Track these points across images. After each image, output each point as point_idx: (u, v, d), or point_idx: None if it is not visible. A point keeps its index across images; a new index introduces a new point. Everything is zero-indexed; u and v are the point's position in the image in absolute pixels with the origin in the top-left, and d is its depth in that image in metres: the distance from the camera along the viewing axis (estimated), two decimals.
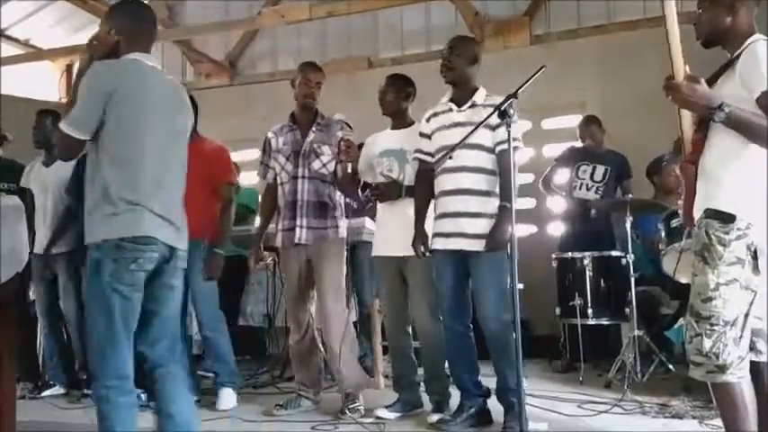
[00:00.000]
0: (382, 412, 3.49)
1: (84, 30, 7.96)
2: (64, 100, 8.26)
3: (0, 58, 7.11)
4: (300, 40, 7.56)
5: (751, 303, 2.14)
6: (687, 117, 2.29)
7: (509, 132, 2.67)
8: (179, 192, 2.45)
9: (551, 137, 6.38)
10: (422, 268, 3.42)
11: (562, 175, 5.16)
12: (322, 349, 3.83)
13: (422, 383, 3.64)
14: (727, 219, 2.12)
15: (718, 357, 2.09)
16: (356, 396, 3.62)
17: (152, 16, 2.53)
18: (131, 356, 2.31)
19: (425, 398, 3.59)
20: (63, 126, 2.28)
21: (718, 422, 2.39)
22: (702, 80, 2.12)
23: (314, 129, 3.73)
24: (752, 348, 2.19)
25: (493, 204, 3.15)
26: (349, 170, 3.59)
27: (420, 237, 3.29)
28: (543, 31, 6.73)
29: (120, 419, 2.23)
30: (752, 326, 2.17)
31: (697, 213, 2.24)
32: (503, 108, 2.65)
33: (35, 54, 8.04)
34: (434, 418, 3.36)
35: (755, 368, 2.19)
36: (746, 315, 2.13)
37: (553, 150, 5.94)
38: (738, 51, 2.19)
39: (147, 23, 2.49)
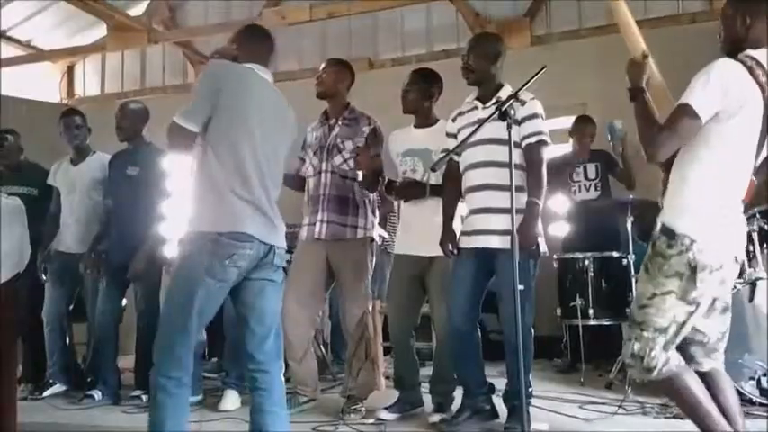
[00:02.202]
0: (382, 414, 3.49)
1: (86, 31, 7.98)
2: (65, 101, 8.29)
3: (1, 59, 7.11)
4: (301, 41, 7.56)
5: (691, 314, 2.23)
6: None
7: (509, 133, 2.66)
8: (276, 193, 2.54)
9: (553, 137, 6.30)
10: (444, 270, 3.39)
11: (559, 188, 5.17)
12: (321, 349, 3.83)
13: (425, 383, 3.64)
14: (670, 234, 2.22)
15: (642, 360, 2.23)
16: (360, 398, 3.62)
17: (271, 40, 2.74)
18: (193, 351, 2.37)
19: (426, 398, 3.59)
20: (176, 118, 2.39)
21: None
22: (649, 63, 2.33)
23: (340, 123, 3.71)
24: (692, 359, 2.34)
25: (521, 199, 3.06)
26: (359, 178, 3.56)
27: (448, 235, 3.26)
28: (544, 32, 6.73)
29: (174, 410, 2.29)
30: (694, 337, 2.33)
31: (658, 223, 2.31)
32: (504, 109, 2.64)
33: (36, 55, 8.05)
34: (435, 417, 3.36)
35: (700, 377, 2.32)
36: (683, 324, 2.23)
37: (554, 151, 5.93)
38: None
39: (267, 45, 2.72)
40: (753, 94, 2.17)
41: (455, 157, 3.28)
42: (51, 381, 4.41)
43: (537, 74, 2.68)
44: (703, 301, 2.23)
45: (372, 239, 3.74)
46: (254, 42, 2.68)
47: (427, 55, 6.97)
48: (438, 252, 3.30)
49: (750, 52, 2.20)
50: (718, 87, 2.13)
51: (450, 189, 3.35)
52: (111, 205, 4.28)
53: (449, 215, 3.32)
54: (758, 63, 2.19)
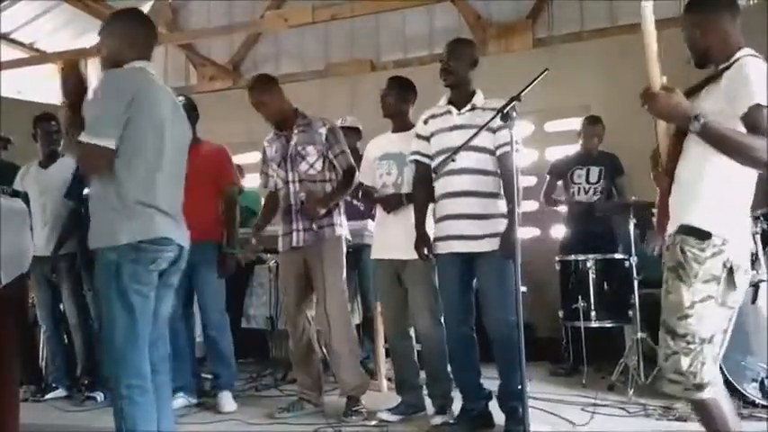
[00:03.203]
0: (384, 415, 3.49)
1: (89, 33, 7.98)
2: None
3: (3, 61, 7.12)
4: (303, 43, 7.57)
5: (731, 319, 2.15)
6: (663, 127, 2.28)
7: (512, 135, 2.67)
8: (181, 192, 2.51)
9: (554, 140, 6.37)
10: (420, 271, 3.42)
11: (558, 186, 5.16)
12: (322, 352, 3.84)
13: (424, 386, 3.64)
14: (702, 236, 2.10)
15: (695, 377, 2.08)
16: (358, 399, 3.62)
17: (153, 27, 2.55)
18: (148, 357, 2.33)
19: (428, 400, 3.59)
20: (88, 137, 2.25)
21: None
22: (678, 90, 2.12)
23: (296, 131, 3.73)
24: None
25: (498, 206, 3.15)
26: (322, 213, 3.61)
27: (422, 239, 3.29)
28: (546, 35, 6.73)
29: (143, 419, 2.25)
30: None
31: (671, 226, 2.22)
32: (506, 111, 2.65)
33: (39, 58, 8.06)
34: (437, 420, 3.36)
35: None
36: (725, 331, 2.14)
37: (556, 153, 5.94)
38: (725, 65, 2.16)
39: (151, 33, 2.53)
40: None
41: (427, 161, 3.33)
42: (54, 384, 4.43)
43: (539, 76, 2.68)
44: (738, 304, 2.14)
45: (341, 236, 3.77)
46: (148, 33, 2.50)
47: (429, 57, 6.96)
48: (412, 255, 3.32)
49: (753, 51, 2.17)
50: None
51: (420, 194, 3.38)
52: (72, 204, 4.28)
53: (421, 219, 3.35)
54: None
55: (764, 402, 3.35)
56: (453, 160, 3.16)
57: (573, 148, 5.32)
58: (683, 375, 2.10)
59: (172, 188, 2.43)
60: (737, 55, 2.14)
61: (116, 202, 2.29)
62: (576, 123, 5.61)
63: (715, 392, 2.11)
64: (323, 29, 7.27)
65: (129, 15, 2.54)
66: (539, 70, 2.69)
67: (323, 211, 3.60)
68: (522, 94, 2.72)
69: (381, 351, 4.35)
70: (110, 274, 2.28)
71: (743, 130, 2.03)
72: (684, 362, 2.09)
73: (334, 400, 3.83)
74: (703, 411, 2.15)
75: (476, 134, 2.91)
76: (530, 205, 5.93)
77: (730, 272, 2.08)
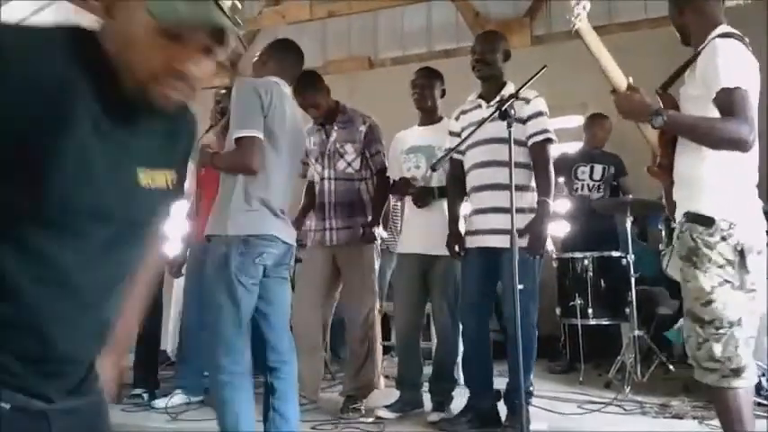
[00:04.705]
0: (382, 412, 3.48)
1: None
2: None
3: None
4: (301, 40, 7.46)
5: (754, 300, 2.09)
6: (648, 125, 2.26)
7: (510, 132, 2.65)
8: (289, 198, 2.68)
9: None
10: (446, 269, 3.39)
11: (560, 183, 5.15)
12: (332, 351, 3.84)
13: (425, 383, 3.64)
14: (707, 222, 2.07)
15: (731, 361, 2.02)
16: (359, 398, 3.62)
17: (301, 58, 2.90)
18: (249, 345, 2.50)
19: (426, 398, 3.59)
20: (243, 132, 2.45)
21: (718, 422, 2.39)
22: (641, 89, 2.16)
23: (336, 127, 3.68)
24: None
25: (527, 198, 3.07)
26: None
27: (455, 237, 3.25)
28: (544, 32, 6.72)
29: (244, 403, 2.39)
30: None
31: (677, 215, 2.20)
32: (504, 108, 2.64)
33: None
34: (434, 417, 3.36)
35: None
36: (752, 312, 2.08)
37: (554, 151, 5.92)
38: (700, 48, 2.16)
39: (296, 62, 2.87)
40: (754, 68, 2.12)
41: (459, 157, 3.28)
42: None
43: (537, 73, 2.69)
44: (758, 285, 2.08)
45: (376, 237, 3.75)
46: (284, 57, 2.82)
47: (427, 54, 6.97)
48: (441, 251, 3.30)
49: (729, 29, 2.15)
50: (741, 62, 2.06)
51: (454, 189, 3.35)
52: None
53: (454, 216, 3.31)
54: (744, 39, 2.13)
55: (761, 401, 3.36)
56: (456, 159, 3.16)
57: (570, 146, 5.32)
58: (719, 362, 2.03)
59: (285, 188, 2.62)
60: (711, 35, 2.14)
61: (238, 197, 2.48)
62: (573, 121, 5.61)
63: (752, 379, 2.05)
64: (321, 26, 7.26)
65: (284, 44, 2.93)
66: (537, 68, 2.69)
67: (377, 230, 3.64)
68: (523, 90, 2.72)
69: (379, 348, 4.35)
70: (220, 265, 2.44)
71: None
72: (717, 348, 2.03)
73: (331, 398, 3.83)
74: (727, 400, 2.05)
75: (477, 128, 2.88)
76: None
77: (741, 254, 2.04)
